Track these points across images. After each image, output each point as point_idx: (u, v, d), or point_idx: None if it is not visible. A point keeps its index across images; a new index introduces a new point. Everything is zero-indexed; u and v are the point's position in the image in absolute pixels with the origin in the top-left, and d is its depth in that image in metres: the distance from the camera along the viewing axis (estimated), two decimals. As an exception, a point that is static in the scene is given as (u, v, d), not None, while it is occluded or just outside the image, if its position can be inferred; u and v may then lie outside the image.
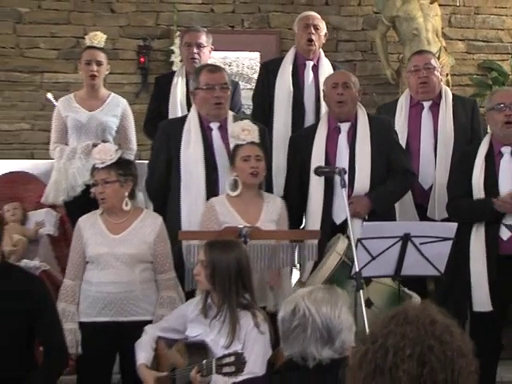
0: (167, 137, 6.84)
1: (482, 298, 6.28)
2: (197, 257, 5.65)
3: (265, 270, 6.22)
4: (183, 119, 6.87)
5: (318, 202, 6.65)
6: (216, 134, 6.74)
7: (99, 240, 6.08)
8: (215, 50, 8.49)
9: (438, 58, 8.28)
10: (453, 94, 7.32)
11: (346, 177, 6.20)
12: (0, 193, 7.69)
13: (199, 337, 5.46)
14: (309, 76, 7.61)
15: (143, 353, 5.55)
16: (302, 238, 6.38)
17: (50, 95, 8.16)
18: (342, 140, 6.77)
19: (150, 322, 5.92)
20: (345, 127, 6.79)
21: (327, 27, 9.10)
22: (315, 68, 7.63)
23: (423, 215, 6.92)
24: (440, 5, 9.48)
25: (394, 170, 6.78)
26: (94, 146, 6.83)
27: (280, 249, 6.27)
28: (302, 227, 6.77)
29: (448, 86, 8.03)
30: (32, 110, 9.36)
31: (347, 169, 6.41)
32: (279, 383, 3.86)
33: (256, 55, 9.02)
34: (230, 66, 9.01)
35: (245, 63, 9.32)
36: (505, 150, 6.48)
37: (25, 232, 7.50)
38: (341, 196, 6.33)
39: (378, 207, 6.63)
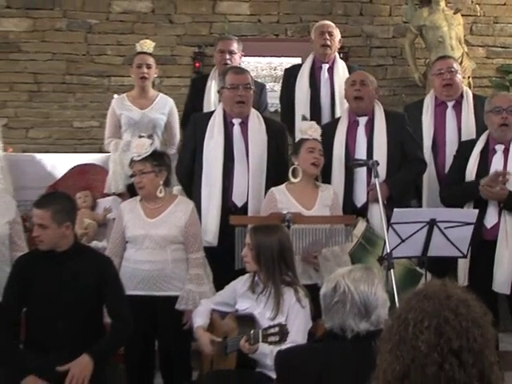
0: (194, 128, 6.92)
1: (463, 275, 6.38)
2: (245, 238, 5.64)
3: (306, 251, 6.19)
4: (211, 114, 6.90)
5: (339, 189, 6.64)
6: (237, 129, 6.77)
7: (137, 223, 6.11)
8: (261, 56, 8.50)
9: (461, 63, 8.33)
10: (473, 94, 7.27)
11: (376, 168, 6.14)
12: (73, 182, 7.70)
13: (247, 310, 5.46)
14: (324, 77, 7.63)
15: (199, 318, 5.59)
16: (339, 223, 6.33)
17: (116, 96, 8.18)
18: (361, 133, 6.81)
19: (178, 297, 5.97)
20: (363, 121, 6.82)
21: (361, 36, 9.14)
22: (330, 70, 7.64)
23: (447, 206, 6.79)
24: (462, 15, 9.43)
25: (408, 159, 6.79)
26: (150, 137, 6.90)
27: (319, 232, 6.24)
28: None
29: (470, 87, 8.01)
30: (100, 109, 9.36)
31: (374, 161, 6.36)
32: (321, 351, 3.91)
33: (298, 60, 8.97)
34: (274, 70, 9.00)
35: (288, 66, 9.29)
36: (498, 147, 6.51)
37: (94, 217, 7.54)
38: (361, 182, 6.59)
39: (395, 193, 6.63)
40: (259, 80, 8.36)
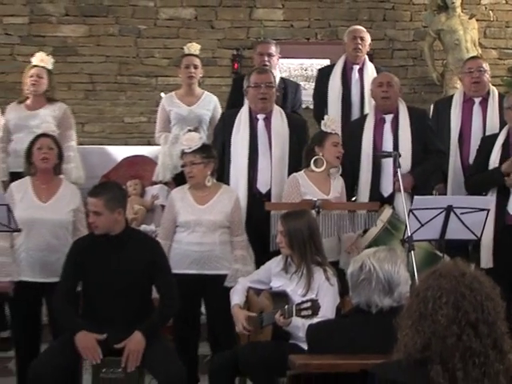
0: (223, 124, 6.96)
1: (487, 257, 6.33)
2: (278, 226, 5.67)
3: (334, 234, 6.20)
4: (237, 112, 6.88)
5: (367, 179, 6.65)
6: (261, 124, 6.76)
7: (188, 210, 6.12)
8: (294, 58, 8.47)
9: None
10: (498, 93, 7.21)
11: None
12: (124, 172, 7.75)
13: (281, 287, 5.47)
14: (355, 77, 7.57)
15: (237, 296, 5.60)
16: (363, 209, 6.34)
17: (162, 94, 8.20)
18: (387, 129, 6.77)
19: (226, 275, 6.00)
20: (389, 118, 6.78)
21: (384, 39, 9.11)
22: (360, 71, 7.59)
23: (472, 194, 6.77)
24: (477, 20, 9.39)
25: (430, 151, 6.76)
26: (195, 130, 6.97)
27: (345, 217, 6.25)
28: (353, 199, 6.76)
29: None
30: (149, 106, 9.39)
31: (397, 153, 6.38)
32: (348, 325, 3.90)
33: (327, 61, 8.94)
34: (305, 70, 8.98)
35: (317, 68, 9.25)
36: None
37: (143, 203, 7.56)
38: (387, 173, 6.54)
39: (419, 182, 6.63)
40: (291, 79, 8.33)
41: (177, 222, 6.14)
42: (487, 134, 6.90)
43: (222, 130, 6.89)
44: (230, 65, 9.57)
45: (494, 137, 6.61)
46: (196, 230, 6.07)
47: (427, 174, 6.82)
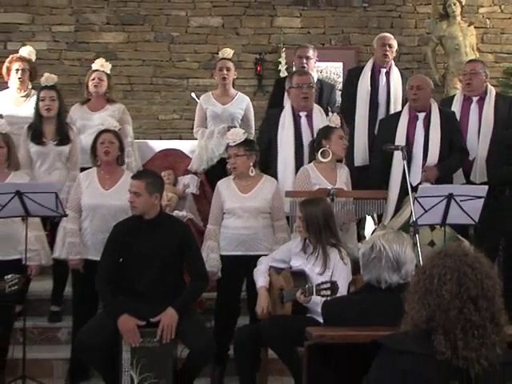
0: (268, 123, 6.98)
1: None
2: (296, 211, 5.68)
3: (347, 219, 6.21)
4: (280, 111, 6.90)
5: (399, 170, 6.57)
6: (304, 121, 6.80)
7: (234, 198, 6.13)
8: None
9: None
10: (496, 92, 7.23)
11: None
12: (158, 163, 7.75)
13: (300, 266, 5.48)
14: (382, 80, 7.52)
15: (261, 278, 5.65)
16: (373, 197, 6.35)
17: (193, 94, 8.22)
18: (419, 126, 6.77)
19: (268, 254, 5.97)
20: (421, 116, 6.79)
21: (392, 44, 9.04)
22: (387, 74, 7.54)
23: (467, 179, 6.90)
24: (475, 27, 9.35)
25: (455, 149, 6.76)
26: (230, 128, 6.92)
27: (357, 204, 6.27)
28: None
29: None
30: (180, 105, 9.41)
31: (422, 147, 6.57)
32: (359, 300, 3.89)
33: (340, 65, 8.96)
34: (321, 72, 8.94)
35: (332, 70, 9.26)
36: None
37: (176, 191, 7.55)
38: (416, 165, 6.57)
39: (443, 175, 6.64)
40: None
41: (223, 209, 6.16)
42: (482, 128, 6.95)
43: (268, 127, 6.91)
44: (254, 67, 9.55)
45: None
46: (241, 216, 6.09)
47: (450, 169, 6.81)
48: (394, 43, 7.64)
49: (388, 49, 7.55)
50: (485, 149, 6.88)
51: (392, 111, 7.33)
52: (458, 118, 6.99)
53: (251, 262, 5.89)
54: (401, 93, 7.44)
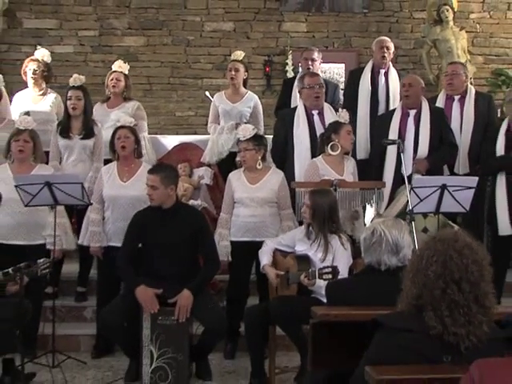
0: (283, 121, 6.92)
1: (503, 226, 6.34)
2: (303, 200, 5.66)
3: (348, 208, 6.17)
4: (294, 109, 6.89)
5: (392, 163, 6.61)
6: (316, 118, 6.77)
7: (243, 188, 6.14)
8: (315, 62, 8.45)
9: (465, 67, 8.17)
10: (476, 91, 7.21)
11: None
12: (175, 157, 7.75)
13: (304, 251, 5.46)
14: (381, 80, 7.50)
15: (266, 257, 5.63)
16: (373, 187, 6.30)
17: (207, 93, 8.19)
18: (410, 121, 6.74)
19: None
20: (412, 113, 6.77)
21: (389, 46, 9.02)
22: (386, 74, 7.52)
23: (451, 171, 6.89)
24: (466, 31, 9.32)
25: (444, 143, 6.74)
26: (238, 125, 6.98)
27: (358, 193, 6.22)
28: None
29: (471, 85, 7.86)
30: (195, 103, 9.40)
31: (413, 141, 6.55)
32: (360, 282, 3.90)
33: (342, 66, 8.94)
34: (324, 73, 8.91)
35: (334, 71, 9.25)
36: None
37: (191, 182, 7.54)
38: (408, 158, 6.47)
39: (432, 167, 6.61)
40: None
41: (234, 199, 6.16)
42: (463, 124, 6.96)
43: (283, 126, 6.86)
44: (263, 68, 9.56)
45: (499, 127, 6.60)
46: (249, 205, 6.11)
47: (440, 162, 6.78)
48: (391, 46, 7.62)
49: (386, 51, 7.53)
50: (467, 143, 6.89)
51: (391, 108, 7.29)
52: None
53: (259, 247, 5.88)
54: (399, 91, 7.38)
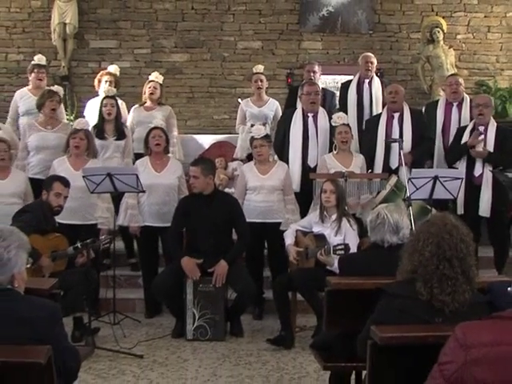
0: (284, 120, 6.89)
1: (460, 207, 6.36)
2: (320, 187, 5.61)
3: (356, 196, 6.16)
4: (293, 111, 6.84)
5: (381, 157, 6.56)
6: (310, 120, 6.70)
7: (255, 178, 6.12)
8: (329, 74, 8.48)
9: None
10: (470, 99, 7.11)
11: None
12: (213, 152, 7.79)
13: (320, 231, 5.47)
14: (366, 88, 7.47)
15: (289, 238, 5.64)
16: (376, 178, 6.34)
17: (239, 100, 8.17)
18: (395, 122, 6.69)
19: (281, 222, 5.99)
20: (396, 115, 6.71)
21: (391, 62, 9.02)
22: (370, 84, 7.47)
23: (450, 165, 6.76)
24: (454, 49, 9.24)
25: (423, 139, 6.68)
26: (263, 124, 6.96)
27: (365, 183, 6.23)
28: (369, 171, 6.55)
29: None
30: (230, 108, 9.35)
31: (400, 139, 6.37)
32: (367, 256, 3.90)
33: (351, 77, 8.81)
34: (337, 83, 8.83)
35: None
36: (480, 128, 6.44)
37: (226, 173, 7.56)
38: (394, 153, 6.46)
39: (416, 159, 6.57)
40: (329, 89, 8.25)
41: (246, 187, 6.13)
42: (461, 125, 6.84)
43: (283, 123, 6.83)
44: (285, 79, 9.48)
45: (464, 127, 6.59)
46: (260, 192, 6.07)
47: (421, 154, 6.73)
48: (374, 60, 7.60)
49: (370, 65, 7.51)
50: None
51: (374, 111, 7.30)
52: (442, 118, 6.91)
53: (268, 228, 5.93)
54: (381, 97, 7.38)
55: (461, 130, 6.61)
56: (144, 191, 5.99)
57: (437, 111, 6.97)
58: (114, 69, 7.83)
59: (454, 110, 6.94)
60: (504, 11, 9.52)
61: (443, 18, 9.26)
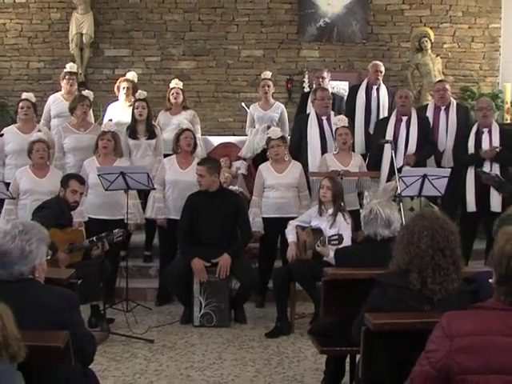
0: (299, 125, 6.85)
1: (471, 205, 6.28)
2: (319, 184, 5.60)
3: (352, 193, 6.15)
4: (307, 115, 6.85)
5: (388, 158, 6.46)
6: (325, 122, 6.68)
7: (272, 177, 6.10)
8: (326, 80, 8.39)
9: None
10: (456, 103, 7.19)
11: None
12: (219, 152, 7.72)
13: (317, 225, 5.45)
14: (374, 94, 7.42)
15: (291, 235, 5.63)
16: (370, 176, 6.32)
17: (243, 104, 8.16)
18: (403, 126, 6.66)
19: (296, 217, 5.90)
20: (404, 119, 6.69)
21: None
22: (377, 90, 7.44)
23: (439, 165, 6.79)
24: (441, 57, 9.17)
25: (427, 142, 6.67)
26: (269, 127, 6.93)
27: (359, 181, 6.21)
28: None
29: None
30: (234, 111, 9.33)
31: (404, 141, 6.47)
32: (361, 248, 3.91)
33: (346, 83, 8.81)
34: (333, 88, 8.80)
35: (341, 87, 9.07)
36: (484, 129, 6.39)
37: (230, 172, 7.52)
38: (400, 154, 6.46)
39: (420, 160, 6.56)
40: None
41: (264, 185, 6.12)
42: (449, 128, 6.86)
43: (299, 128, 6.80)
44: (285, 85, 9.43)
45: (469, 131, 6.50)
46: (277, 189, 6.07)
47: (424, 156, 6.70)
48: (383, 69, 7.59)
49: (379, 73, 7.51)
50: (451, 143, 6.78)
51: (381, 115, 7.25)
52: (430, 121, 6.90)
53: (284, 222, 5.88)
54: (387, 102, 7.35)
55: (465, 134, 6.54)
56: (154, 188, 6.00)
57: (426, 115, 6.97)
58: (131, 75, 7.84)
59: (442, 113, 6.94)
60: (486, 23, 9.50)
61: (431, 28, 9.22)
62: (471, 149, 6.38)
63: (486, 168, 6.22)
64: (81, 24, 9.09)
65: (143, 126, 6.78)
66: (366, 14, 9.40)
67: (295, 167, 6.17)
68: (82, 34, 9.11)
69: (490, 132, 6.38)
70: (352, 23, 9.38)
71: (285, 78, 9.46)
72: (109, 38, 9.45)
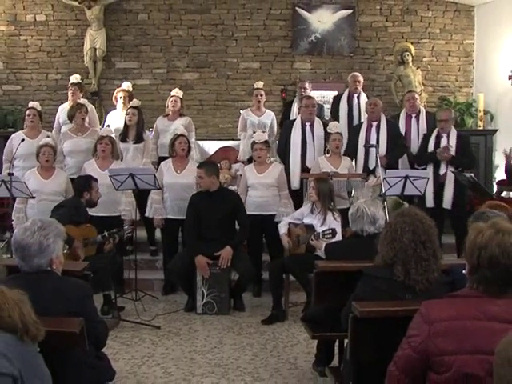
0: (285, 129, 6.87)
1: (429, 201, 6.39)
2: (310, 185, 5.60)
3: (341, 192, 6.12)
4: (293, 121, 6.87)
5: (361, 159, 6.57)
6: (308, 128, 6.69)
7: (254, 177, 6.08)
8: (317, 90, 8.43)
9: (420, 94, 8.24)
10: (426, 111, 7.27)
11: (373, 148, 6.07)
12: (219, 155, 7.76)
13: (309, 222, 5.44)
14: (355, 102, 7.54)
15: (283, 229, 5.60)
16: (357, 177, 6.30)
17: (241, 111, 8.11)
18: (373, 130, 6.71)
19: (275, 214, 5.93)
20: (374, 124, 6.74)
21: (368, 80, 9.00)
22: (358, 98, 7.55)
23: (412, 166, 6.79)
24: (421, 70, 9.20)
25: (397, 145, 6.70)
26: (262, 132, 6.90)
27: (347, 182, 6.16)
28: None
29: (424, 107, 7.84)
30: (233, 118, 9.28)
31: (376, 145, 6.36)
32: (349, 244, 3.89)
33: (335, 93, 8.77)
34: (324, 97, 8.84)
35: (330, 96, 9.04)
36: (443, 134, 6.49)
37: (230, 173, 7.52)
38: (372, 156, 6.41)
39: (391, 162, 6.57)
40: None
41: (247, 184, 6.09)
42: (420, 135, 6.93)
43: (285, 132, 6.81)
44: (280, 94, 9.43)
45: (430, 134, 6.59)
46: (258, 189, 6.04)
47: (395, 158, 6.73)
48: (361, 79, 7.67)
49: (357, 83, 7.59)
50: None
51: (362, 121, 7.24)
52: (403, 128, 6.99)
53: (265, 219, 5.91)
54: None
55: (427, 137, 6.63)
56: (160, 188, 6.00)
57: (399, 122, 7.07)
58: (126, 86, 7.81)
59: (413, 120, 7.05)
60: (461, 39, 9.53)
61: (412, 43, 9.23)
62: (431, 149, 6.49)
63: (443, 169, 6.36)
64: (94, 39, 9.10)
65: (133, 131, 6.76)
66: (353, 30, 9.41)
67: (275, 168, 6.14)
68: (95, 49, 9.12)
69: (448, 137, 6.48)
70: (340, 38, 9.39)
71: (279, 88, 9.46)
72: (120, 52, 9.44)
